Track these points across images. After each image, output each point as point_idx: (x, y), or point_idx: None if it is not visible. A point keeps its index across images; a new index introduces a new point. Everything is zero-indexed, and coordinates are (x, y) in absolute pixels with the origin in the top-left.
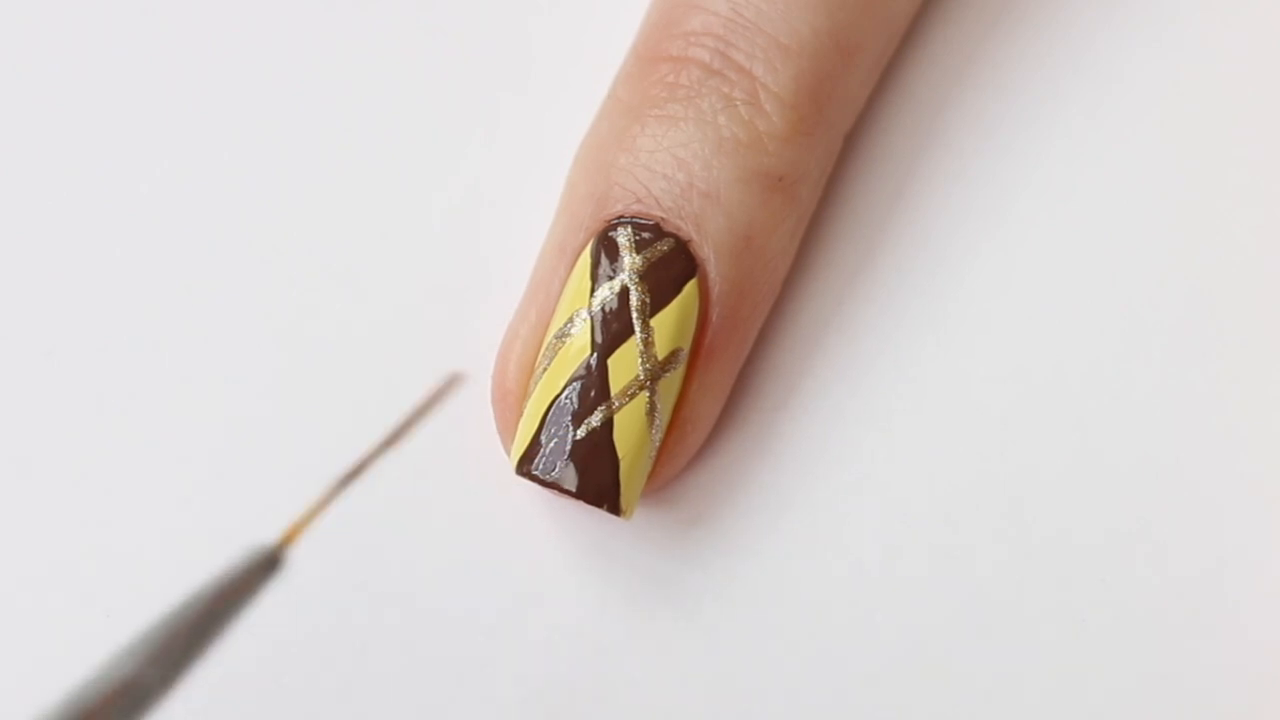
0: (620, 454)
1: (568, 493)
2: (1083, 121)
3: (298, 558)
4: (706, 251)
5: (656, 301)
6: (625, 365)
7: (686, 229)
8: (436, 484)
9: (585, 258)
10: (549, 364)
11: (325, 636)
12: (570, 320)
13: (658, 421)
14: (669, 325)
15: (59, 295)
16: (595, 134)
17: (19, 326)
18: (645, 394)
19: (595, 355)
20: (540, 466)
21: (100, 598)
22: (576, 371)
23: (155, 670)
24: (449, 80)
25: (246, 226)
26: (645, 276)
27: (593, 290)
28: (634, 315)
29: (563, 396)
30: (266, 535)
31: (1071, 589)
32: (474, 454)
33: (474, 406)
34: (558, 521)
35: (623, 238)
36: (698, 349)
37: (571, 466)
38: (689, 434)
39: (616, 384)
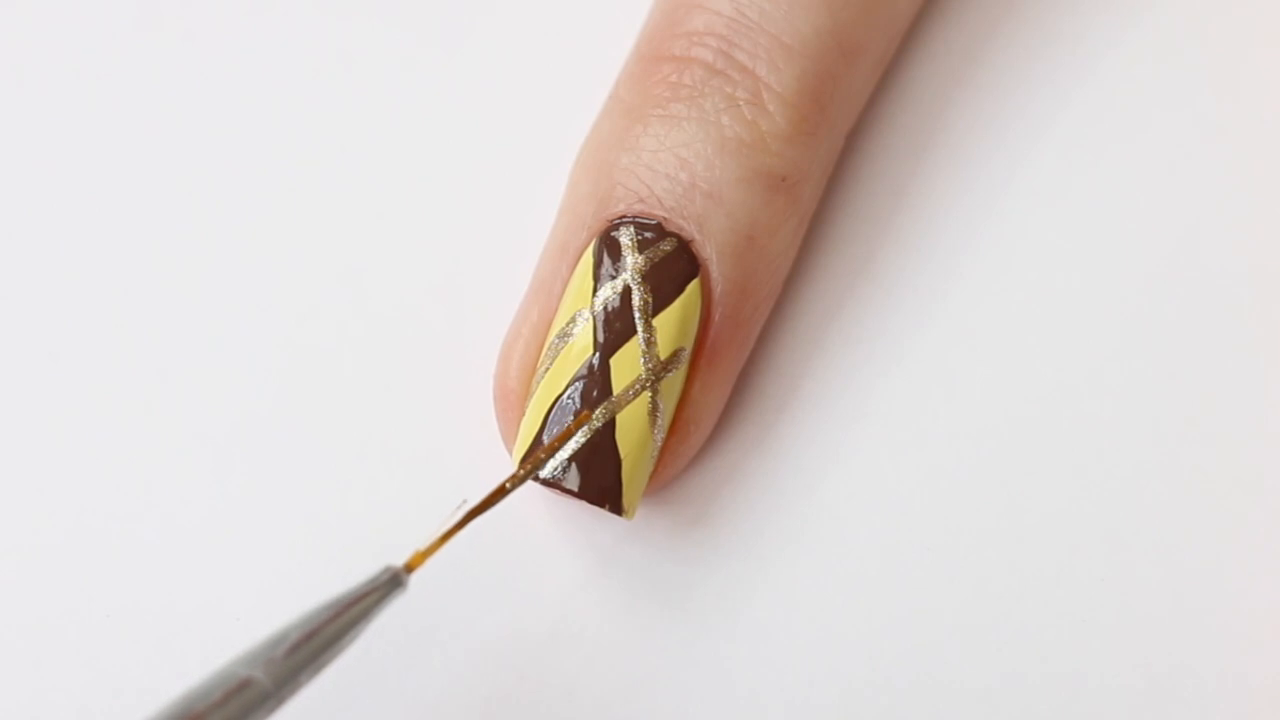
0: (622, 454)
1: (570, 492)
2: (1083, 121)
3: (316, 553)
4: (709, 251)
5: (659, 301)
6: (627, 365)
7: (689, 229)
8: (437, 484)
9: (587, 257)
10: (551, 364)
11: None
12: (572, 320)
13: (660, 421)
14: (671, 325)
15: (61, 297)
16: (597, 133)
17: (21, 328)
18: (647, 394)
19: (597, 355)
20: (542, 466)
21: (100, 597)
22: (579, 371)
23: (270, 675)
24: (450, 80)
25: (248, 228)
26: (648, 276)
27: (595, 290)
28: (636, 315)
29: (565, 396)
30: (271, 532)
31: (1071, 589)
32: (475, 454)
33: (476, 406)
34: (559, 521)
35: (625, 237)
36: (700, 349)
37: (574, 466)
38: (691, 434)
39: (619, 384)
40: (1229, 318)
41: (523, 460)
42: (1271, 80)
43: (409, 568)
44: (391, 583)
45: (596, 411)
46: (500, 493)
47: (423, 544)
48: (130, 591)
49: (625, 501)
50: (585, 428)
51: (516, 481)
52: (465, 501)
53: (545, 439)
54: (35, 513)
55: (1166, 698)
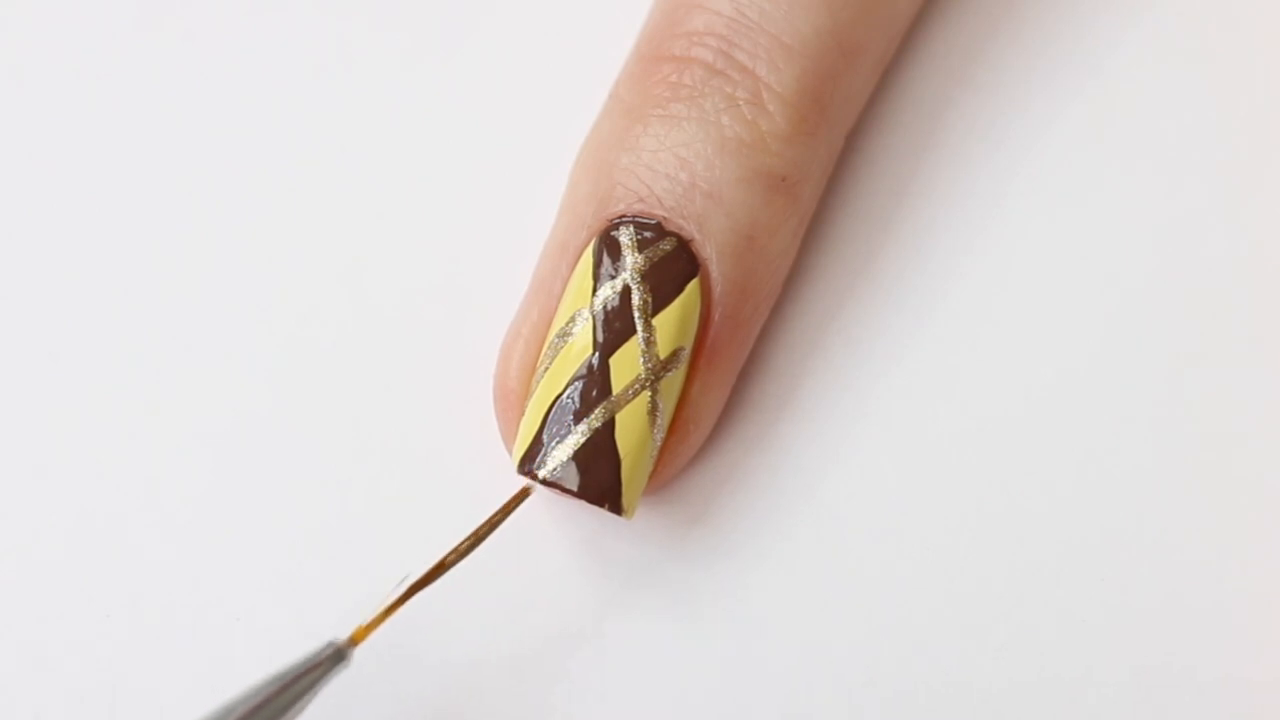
0: (622, 453)
1: (569, 492)
2: (1083, 121)
3: (316, 553)
4: (708, 251)
5: (658, 301)
6: (627, 365)
7: (689, 228)
8: (437, 484)
9: (587, 257)
10: (551, 363)
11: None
12: (572, 319)
13: (659, 421)
14: (671, 325)
15: (61, 297)
16: (598, 133)
17: (21, 328)
18: (647, 393)
19: (597, 354)
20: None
21: (100, 597)
22: (578, 371)
23: None
24: (450, 80)
25: (248, 228)
26: (647, 276)
27: (595, 289)
28: (636, 314)
29: (564, 396)
30: (271, 532)
31: (1071, 589)
32: (474, 453)
33: (475, 406)
34: (559, 521)
35: (625, 237)
36: (699, 348)
37: (573, 466)
38: (690, 433)
39: (618, 383)
40: (1229, 317)
41: (517, 475)
42: (1272, 80)
43: (353, 641)
44: (334, 658)
45: (596, 411)
46: (441, 568)
47: (365, 619)
48: (130, 591)
49: (625, 501)
50: (585, 425)
51: (459, 555)
52: (407, 576)
53: (545, 439)
54: (35, 513)
55: (1166, 697)
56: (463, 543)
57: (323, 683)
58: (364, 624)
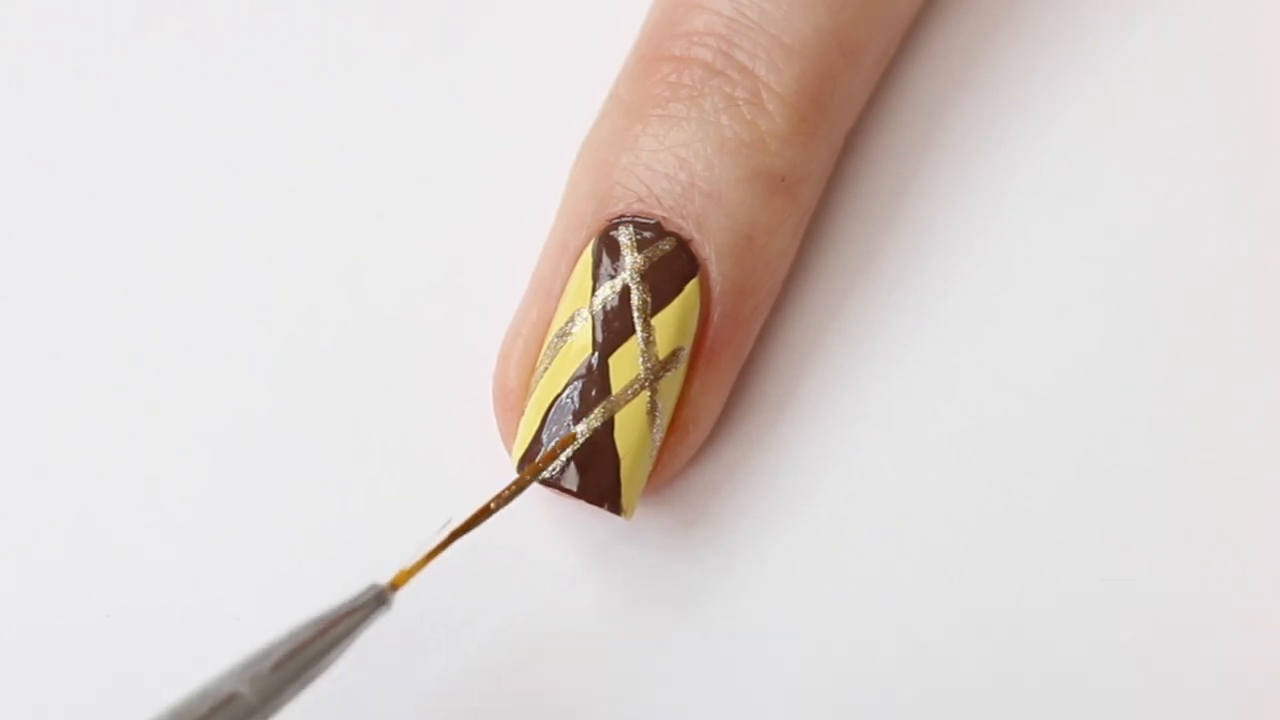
0: (621, 453)
1: (569, 492)
2: (1083, 121)
3: (316, 553)
4: (708, 251)
5: (658, 301)
6: (626, 364)
7: (688, 228)
8: (437, 484)
9: (587, 257)
10: (550, 363)
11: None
12: (571, 319)
13: (659, 421)
14: (670, 325)
15: (61, 297)
16: (597, 133)
17: (21, 328)
18: (646, 393)
19: (596, 354)
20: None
21: (100, 597)
22: (578, 371)
23: (255, 691)
24: (450, 80)
25: (247, 228)
26: (646, 276)
27: (594, 289)
28: (635, 314)
29: (564, 395)
30: (271, 532)
31: (1071, 588)
32: (474, 453)
33: (475, 406)
34: (558, 521)
35: (624, 237)
36: (699, 348)
37: (573, 466)
38: (690, 433)
39: (618, 383)
40: (1229, 317)
41: (517, 475)
42: (1272, 80)
43: (394, 585)
44: (376, 600)
45: (595, 411)
46: (485, 513)
47: (407, 562)
48: (130, 591)
49: (624, 501)
50: (584, 425)
51: (501, 502)
52: (450, 520)
53: (544, 438)
54: (35, 513)
55: (1167, 697)
56: (506, 488)
57: (363, 627)
58: (405, 568)
